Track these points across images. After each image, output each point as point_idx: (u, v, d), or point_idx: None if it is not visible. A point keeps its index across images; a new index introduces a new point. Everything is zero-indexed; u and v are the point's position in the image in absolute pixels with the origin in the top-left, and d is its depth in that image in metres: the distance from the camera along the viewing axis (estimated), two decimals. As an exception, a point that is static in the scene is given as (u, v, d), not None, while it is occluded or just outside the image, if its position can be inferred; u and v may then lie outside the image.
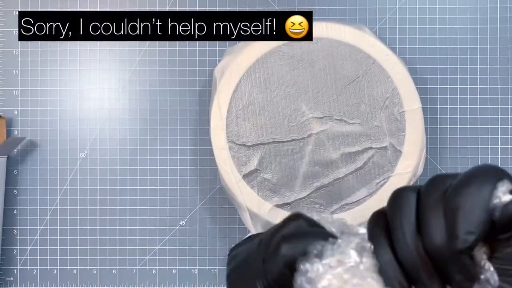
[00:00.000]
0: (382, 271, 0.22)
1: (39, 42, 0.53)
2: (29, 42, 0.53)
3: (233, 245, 0.27)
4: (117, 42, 0.54)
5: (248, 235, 0.27)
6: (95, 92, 0.54)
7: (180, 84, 0.54)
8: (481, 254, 0.22)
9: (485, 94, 0.53)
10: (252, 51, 0.49)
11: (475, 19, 0.53)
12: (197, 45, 0.53)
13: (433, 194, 0.23)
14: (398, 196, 0.23)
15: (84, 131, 0.53)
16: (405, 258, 0.22)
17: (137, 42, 0.53)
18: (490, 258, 0.23)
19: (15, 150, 0.53)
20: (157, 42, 0.53)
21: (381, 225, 0.23)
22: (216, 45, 0.53)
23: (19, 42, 0.53)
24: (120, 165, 0.53)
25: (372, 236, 0.23)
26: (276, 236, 0.23)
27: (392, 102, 0.49)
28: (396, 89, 0.49)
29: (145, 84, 0.54)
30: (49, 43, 0.53)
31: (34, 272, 0.53)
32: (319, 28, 0.49)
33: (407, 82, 0.49)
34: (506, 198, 0.22)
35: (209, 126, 0.50)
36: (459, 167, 0.52)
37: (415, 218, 0.22)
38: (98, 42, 0.54)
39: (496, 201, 0.22)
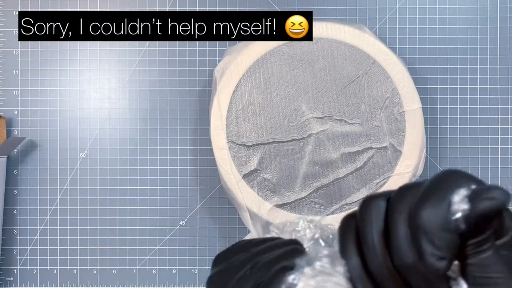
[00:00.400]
0: (351, 280, 0.22)
1: (39, 42, 0.53)
2: (29, 42, 0.53)
3: (215, 257, 0.26)
4: (117, 42, 0.54)
5: (232, 245, 0.27)
6: (95, 92, 0.54)
7: (180, 84, 0.54)
8: (452, 267, 0.22)
9: (485, 94, 0.53)
10: (252, 51, 0.49)
11: (475, 19, 0.53)
12: (197, 45, 0.53)
13: (400, 209, 0.22)
14: (368, 205, 0.23)
15: (84, 131, 0.53)
16: (374, 270, 0.22)
17: (137, 42, 0.54)
18: (462, 265, 0.22)
19: (15, 150, 0.53)
20: (157, 42, 0.53)
21: (351, 232, 0.23)
22: (216, 45, 0.53)
23: (19, 42, 0.53)
24: (120, 165, 0.53)
25: (341, 244, 0.23)
26: (274, 267, 0.23)
27: (392, 102, 0.49)
28: (396, 89, 0.49)
29: (145, 84, 0.54)
30: (49, 43, 0.54)
31: (34, 272, 0.53)
32: (319, 28, 0.49)
33: (407, 82, 0.49)
34: (464, 207, 0.21)
35: (209, 126, 0.50)
36: (459, 167, 0.52)
37: (385, 229, 0.22)
38: (98, 42, 0.54)
39: (456, 216, 0.21)
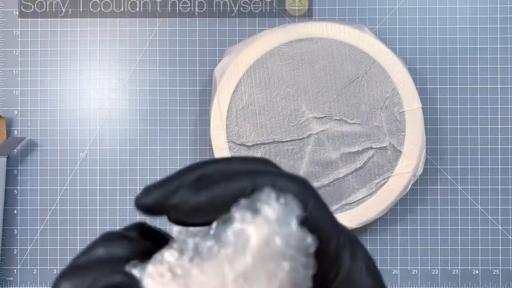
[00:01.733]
0: None
1: (39, 42, 0.53)
2: (29, 43, 0.53)
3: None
4: (117, 42, 0.54)
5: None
6: (95, 92, 0.54)
7: (180, 84, 0.54)
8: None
9: (485, 94, 0.53)
10: (252, 51, 0.49)
11: (475, 19, 0.53)
12: (197, 45, 0.53)
13: None
14: None
15: (84, 131, 0.53)
16: None
17: (137, 42, 0.54)
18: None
19: (15, 150, 0.53)
20: (157, 42, 0.53)
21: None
22: (216, 45, 0.53)
23: (20, 42, 0.53)
24: (120, 165, 0.53)
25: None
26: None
27: (392, 102, 0.49)
28: (396, 89, 0.49)
29: (145, 84, 0.54)
30: (49, 43, 0.54)
31: (34, 272, 0.53)
32: (319, 28, 0.49)
33: (407, 82, 0.49)
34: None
35: (209, 126, 0.50)
36: (459, 167, 0.52)
37: None
38: (98, 42, 0.54)
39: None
